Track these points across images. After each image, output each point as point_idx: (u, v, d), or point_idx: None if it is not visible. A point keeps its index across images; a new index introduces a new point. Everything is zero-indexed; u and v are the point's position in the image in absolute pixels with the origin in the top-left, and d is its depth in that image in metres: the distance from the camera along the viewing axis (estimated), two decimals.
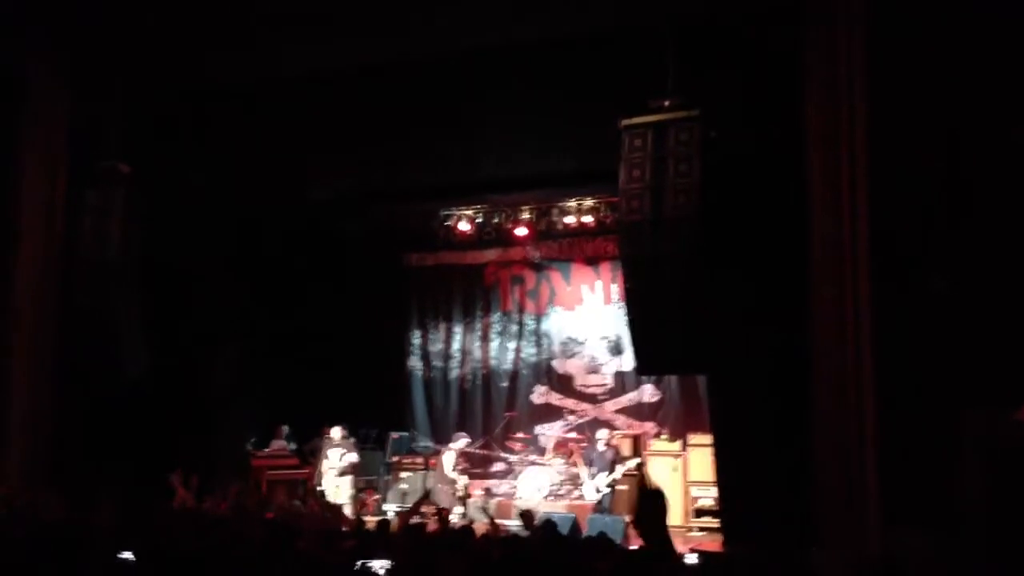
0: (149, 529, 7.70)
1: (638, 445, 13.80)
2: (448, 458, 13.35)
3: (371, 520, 9.95)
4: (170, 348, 12.32)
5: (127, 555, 6.42)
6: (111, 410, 11.96)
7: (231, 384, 13.83)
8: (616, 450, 12.79)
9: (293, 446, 14.57)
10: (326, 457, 13.51)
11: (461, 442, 13.64)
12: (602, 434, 12.90)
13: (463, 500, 12.97)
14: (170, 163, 11.92)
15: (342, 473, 13.43)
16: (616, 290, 14.80)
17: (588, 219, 14.37)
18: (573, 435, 14.56)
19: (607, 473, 12.19)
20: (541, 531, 8.19)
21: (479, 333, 16.18)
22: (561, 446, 14.32)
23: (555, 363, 15.65)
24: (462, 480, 13.14)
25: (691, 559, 7.05)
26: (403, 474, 14.29)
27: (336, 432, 13.60)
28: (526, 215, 14.92)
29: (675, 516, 13.05)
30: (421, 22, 10.46)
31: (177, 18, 10.61)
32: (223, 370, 13.74)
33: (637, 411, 14.94)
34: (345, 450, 13.49)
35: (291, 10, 10.47)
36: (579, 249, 15.51)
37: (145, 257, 11.83)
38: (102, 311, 11.19)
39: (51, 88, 11.58)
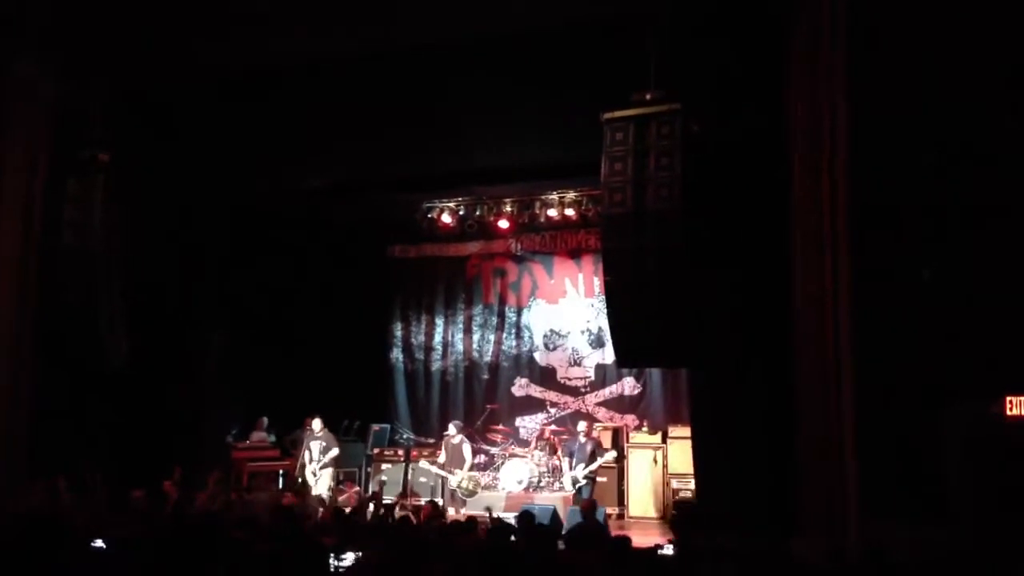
0: (128, 519, 7.71)
1: (619, 438, 13.87)
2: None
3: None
4: (151, 339, 12.26)
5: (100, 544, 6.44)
6: (91, 400, 11.91)
7: (212, 375, 13.79)
8: (596, 442, 12.84)
9: (274, 438, 14.56)
10: (308, 449, 13.50)
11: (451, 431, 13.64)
12: (581, 426, 12.96)
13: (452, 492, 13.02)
14: (152, 152, 11.86)
15: (323, 465, 13.42)
16: (598, 283, 14.84)
17: (570, 212, 14.37)
18: (553, 427, 14.58)
19: (584, 464, 12.25)
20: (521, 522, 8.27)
21: (461, 325, 16.20)
22: (542, 438, 14.35)
23: (537, 355, 15.68)
24: (452, 475, 13.14)
25: (668, 550, 7.10)
26: (384, 466, 14.29)
27: (317, 424, 13.58)
28: (508, 208, 14.92)
29: (654, 508, 13.18)
30: (404, 12, 10.43)
31: (162, 7, 10.55)
32: (204, 361, 13.69)
33: (618, 404, 15.00)
34: (325, 442, 13.48)
35: (280, 1, 10.44)
36: (561, 242, 15.55)
37: (126, 246, 11.77)
38: (83, 301, 11.12)
39: (33, 77, 11.50)
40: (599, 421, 14.63)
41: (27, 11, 10.99)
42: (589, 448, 12.46)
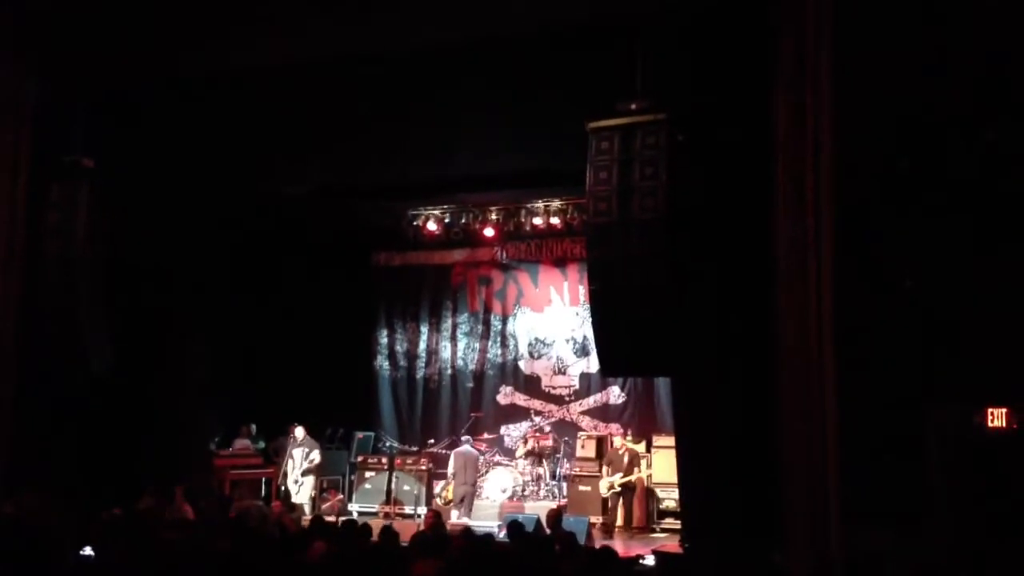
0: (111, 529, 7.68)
1: (603, 447, 13.87)
2: None
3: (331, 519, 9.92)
4: (135, 346, 12.20)
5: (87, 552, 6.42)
6: (75, 408, 11.84)
7: (196, 382, 13.73)
8: (633, 453, 12.91)
9: (261, 444, 14.52)
10: (291, 457, 13.47)
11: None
12: (619, 441, 13.24)
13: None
14: (137, 158, 11.81)
15: (305, 472, 13.39)
16: (583, 292, 14.84)
17: (556, 220, 14.42)
18: (537, 435, 14.57)
19: (623, 474, 12.54)
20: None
21: (446, 333, 16.19)
22: (527, 445, 14.33)
23: (522, 364, 15.69)
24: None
25: (649, 561, 7.13)
26: (368, 474, 14.26)
27: (300, 431, 13.56)
28: (494, 216, 14.95)
29: (638, 518, 13.19)
30: (389, 17, 10.43)
31: (144, 11, 10.52)
32: (188, 368, 13.64)
33: (603, 412, 15.01)
34: (308, 449, 13.46)
35: (261, 3, 10.42)
36: (547, 250, 15.58)
37: (110, 253, 11.72)
38: (66, 308, 11.05)
39: (14, 82, 11.44)
40: (583, 430, 14.64)
41: (5, 13, 10.93)
42: (627, 459, 12.64)
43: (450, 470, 13.47)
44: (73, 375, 11.36)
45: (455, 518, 12.61)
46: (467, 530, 9.00)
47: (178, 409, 13.13)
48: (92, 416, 11.93)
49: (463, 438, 14.09)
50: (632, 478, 12.53)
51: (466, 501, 13.07)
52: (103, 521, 8.39)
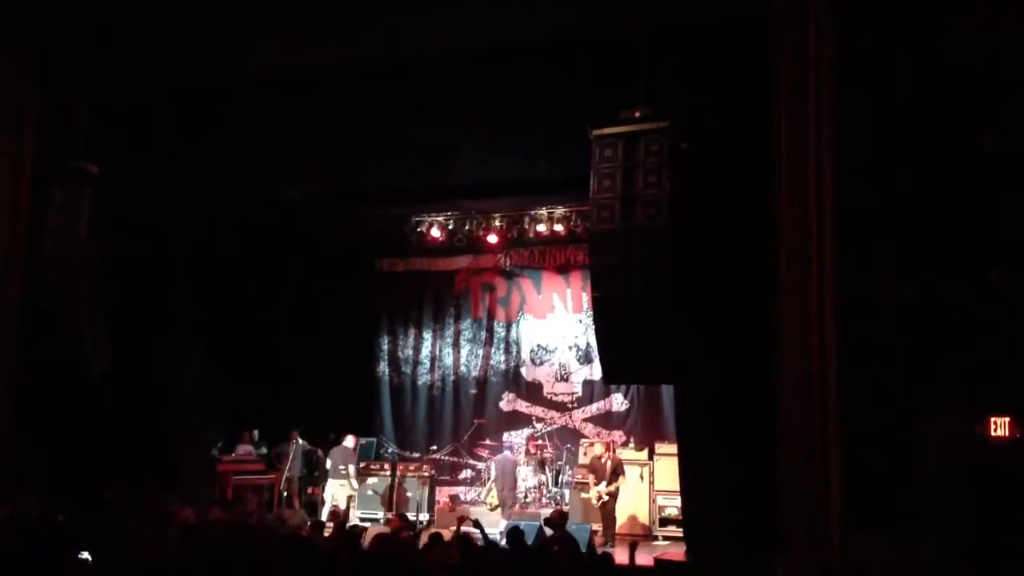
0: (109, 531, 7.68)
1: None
2: None
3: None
4: (136, 350, 12.22)
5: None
6: (75, 411, 11.86)
7: (198, 387, 13.74)
8: (617, 460, 12.83)
9: (260, 451, 14.51)
10: (340, 469, 13.45)
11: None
12: (599, 449, 13.02)
13: None
14: (139, 162, 11.84)
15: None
16: (586, 299, 14.83)
17: (559, 228, 14.40)
18: (539, 442, 14.54)
19: (607, 482, 12.40)
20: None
21: (449, 340, 16.17)
22: (530, 453, 14.32)
23: (524, 370, 15.66)
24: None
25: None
26: (370, 480, 14.23)
27: (349, 441, 13.56)
28: (497, 222, 14.94)
29: (641, 525, 13.15)
30: (393, 26, 10.47)
31: (148, 16, 10.56)
32: (190, 372, 13.65)
33: (605, 420, 14.99)
34: (352, 463, 13.48)
35: (266, 10, 10.46)
36: (550, 257, 15.56)
37: (112, 257, 11.74)
38: (67, 311, 11.06)
39: (19, 85, 11.49)
40: (586, 437, 14.62)
41: (9, 18, 10.98)
42: (610, 466, 12.56)
43: (491, 476, 13.51)
44: (73, 378, 11.37)
45: (501, 524, 12.55)
46: (465, 536, 8.98)
47: (178, 413, 13.14)
48: (91, 419, 11.94)
49: (505, 444, 14.32)
50: (614, 488, 12.42)
51: (506, 506, 13.11)
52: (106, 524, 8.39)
